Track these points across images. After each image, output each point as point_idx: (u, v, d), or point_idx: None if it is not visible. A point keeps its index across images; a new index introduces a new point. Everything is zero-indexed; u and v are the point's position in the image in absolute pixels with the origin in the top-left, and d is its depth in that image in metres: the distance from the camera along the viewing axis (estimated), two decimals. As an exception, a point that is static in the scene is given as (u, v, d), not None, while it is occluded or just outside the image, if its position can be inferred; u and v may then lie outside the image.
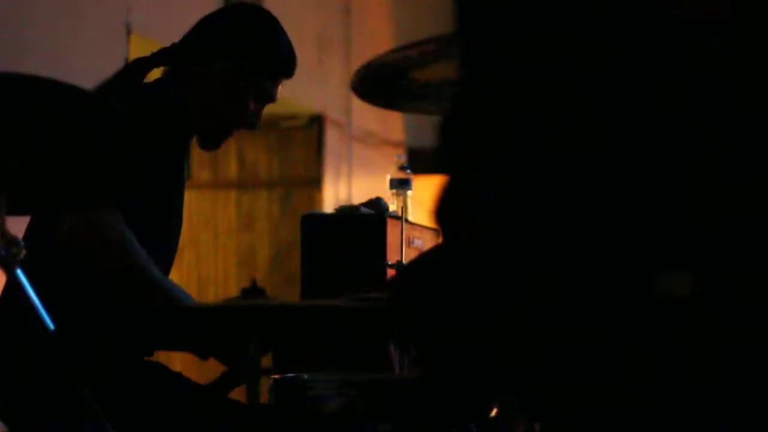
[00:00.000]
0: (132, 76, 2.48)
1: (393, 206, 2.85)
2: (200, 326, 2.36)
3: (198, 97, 2.51)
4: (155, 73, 2.56)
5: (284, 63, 2.57)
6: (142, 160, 2.19)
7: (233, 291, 6.44)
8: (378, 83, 2.63)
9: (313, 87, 6.88)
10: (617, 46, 1.12)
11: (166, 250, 2.52)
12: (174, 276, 2.57)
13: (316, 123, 6.98)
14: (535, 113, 1.16)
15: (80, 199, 2.28)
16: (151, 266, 2.34)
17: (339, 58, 7.04)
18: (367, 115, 7.14)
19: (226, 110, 2.53)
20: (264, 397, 2.25)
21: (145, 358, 2.48)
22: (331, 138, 7.14)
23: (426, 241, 2.90)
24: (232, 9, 2.72)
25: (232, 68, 2.50)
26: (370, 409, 2.13)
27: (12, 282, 1.85)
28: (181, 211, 2.57)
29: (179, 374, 2.49)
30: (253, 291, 2.05)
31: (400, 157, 3.13)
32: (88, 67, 4.72)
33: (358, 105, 7.12)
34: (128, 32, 5.13)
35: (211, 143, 2.57)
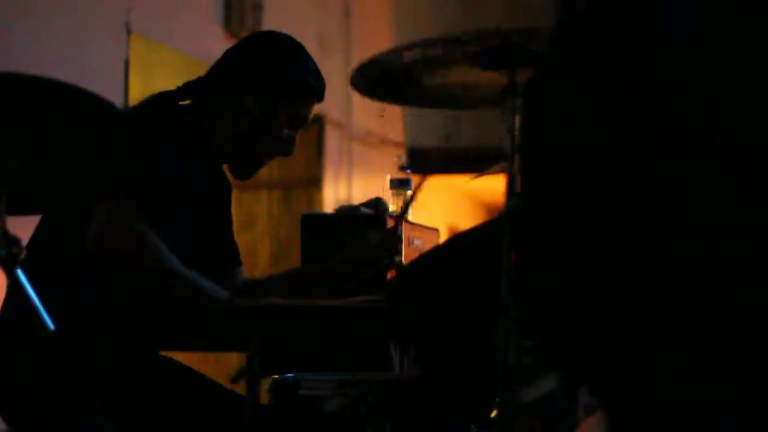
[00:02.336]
0: (154, 107, 2.50)
1: (393, 206, 2.85)
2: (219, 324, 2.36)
3: (228, 129, 2.53)
4: None
5: (313, 86, 2.58)
6: (144, 163, 2.20)
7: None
8: (379, 81, 2.63)
9: (313, 87, 6.86)
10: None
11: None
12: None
13: (316, 123, 6.98)
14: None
15: (90, 198, 2.28)
16: (179, 265, 2.35)
17: (339, 58, 7.04)
18: (367, 115, 7.14)
19: (257, 141, 2.55)
20: (264, 397, 2.25)
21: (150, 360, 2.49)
22: (331, 138, 7.14)
23: (426, 241, 2.90)
24: (255, 39, 2.74)
25: (261, 101, 2.51)
26: (370, 409, 2.13)
27: (12, 282, 1.85)
28: (203, 234, 2.56)
29: (186, 366, 2.49)
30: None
31: (400, 157, 3.13)
32: (87, 67, 4.72)
33: (358, 105, 7.13)
34: (128, 32, 5.13)
35: (244, 173, 2.59)
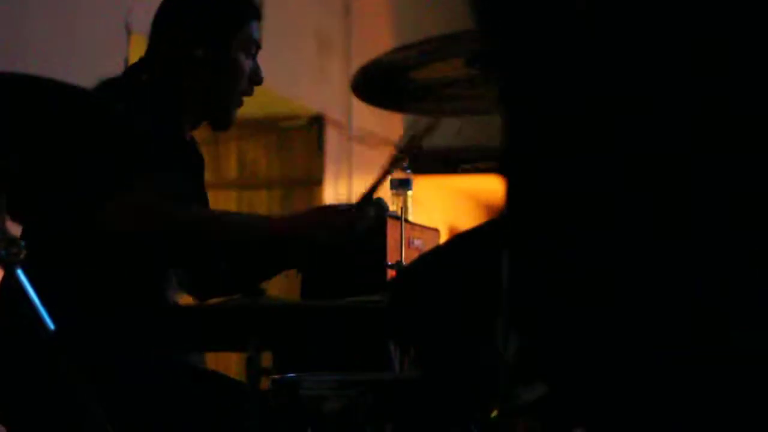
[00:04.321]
0: (126, 81, 2.49)
1: (393, 206, 2.85)
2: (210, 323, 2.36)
3: (193, 88, 2.51)
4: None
5: (247, 4, 2.56)
6: (148, 154, 2.20)
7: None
8: (378, 83, 2.63)
9: (313, 87, 6.88)
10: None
11: None
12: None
13: (316, 123, 6.98)
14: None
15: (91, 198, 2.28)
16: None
17: (339, 58, 7.03)
18: (367, 115, 7.14)
19: (225, 85, 2.53)
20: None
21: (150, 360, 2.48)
22: (331, 138, 7.14)
23: (426, 242, 2.90)
24: None
25: (211, 47, 2.49)
26: (370, 409, 2.13)
27: (12, 282, 1.85)
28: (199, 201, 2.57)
29: (187, 363, 2.49)
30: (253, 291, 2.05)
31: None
32: (87, 67, 4.72)
33: (358, 105, 7.12)
34: (128, 32, 5.13)
35: (225, 121, 2.57)
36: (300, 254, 2.48)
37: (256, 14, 2.58)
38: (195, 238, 2.39)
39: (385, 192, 2.86)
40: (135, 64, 2.55)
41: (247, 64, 2.53)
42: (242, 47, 2.52)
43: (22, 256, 1.85)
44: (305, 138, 7.03)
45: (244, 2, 2.57)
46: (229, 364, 6.62)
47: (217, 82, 2.52)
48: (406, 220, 2.77)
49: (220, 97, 2.54)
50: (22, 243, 1.85)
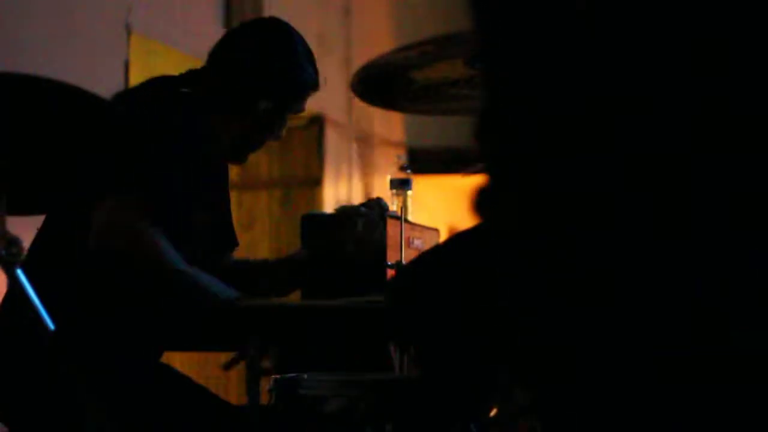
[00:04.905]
0: (153, 91, 2.50)
1: (393, 206, 2.85)
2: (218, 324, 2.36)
3: (236, 126, 2.56)
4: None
5: (315, 79, 2.62)
6: (147, 154, 2.20)
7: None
8: (378, 84, 2.63)
9: (313, 87, 6.87)
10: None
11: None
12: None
13: (316, 123, 6.98)
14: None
15: (90, 198, 2.28)
16: (183, 264, 2.35)
17: (339, 58, 7.04)
18: (367, 115, 7.14)
19: (262, 137, 2.61)
20: (264, 398, 2.25)
21: (150, 361, 2.48)
22: (331, 138, 7.14)
23: (426, 242, 2.90)
24: (256, 32, 2.68)
25: (274, 103, 2.55)
26: (370, 409, 2.13)
27: (12, 282, 1.85)
28: (204, 218, 2.57)
29: (185, 376, 2.49)
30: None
31: (400, 157, 3.13)
32: (88, 67, 4.72)
33: (359, 105, 7.12)
34: (128, 32, 5.12)
35: (240, 161, 2.64)
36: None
37: (316, 88, 2.62)
38: (152, 278, 2.39)
39: (385, 192, 2.86)
40: (171, 77, 2.56)
41: (277, 129, 2.59)
42: (291, 111, 2.56)
43: (22, 256, 1.85)
44: (305, 138, 7.03)
45: (314, 73, 2.61)
46: (229, 364, 6.61)
47: (255, 131, 2.58)
48: (406, 220, 2.77)
49: (248, 146, 2.60)
50: (22, 243, 1.85)
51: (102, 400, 1.94)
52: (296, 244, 2.86)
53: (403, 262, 2.69)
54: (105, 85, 4.81)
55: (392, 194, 2.88)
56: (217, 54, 2.59)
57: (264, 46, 2.59)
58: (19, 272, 1.84)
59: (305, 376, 2.23)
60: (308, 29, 6.97)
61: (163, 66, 5.42)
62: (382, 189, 2.77)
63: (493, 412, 2.05)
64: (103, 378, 2.25)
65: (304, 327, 2.34)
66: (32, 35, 4.53)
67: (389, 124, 7.62)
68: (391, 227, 2.76)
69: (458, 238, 1.66)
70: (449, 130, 7.64)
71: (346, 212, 2.64)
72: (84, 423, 2.05)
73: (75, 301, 2.35)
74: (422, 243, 2.88)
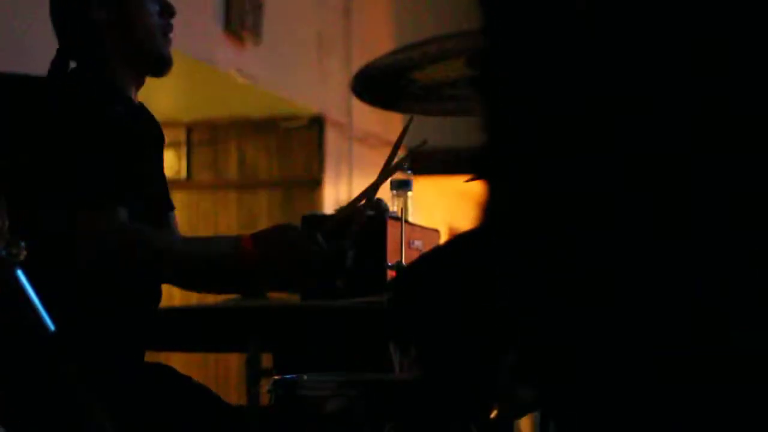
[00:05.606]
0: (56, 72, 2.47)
1: (393, 207, 2.85)
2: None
3: (115, 46, 2.48)
4: None
5: None
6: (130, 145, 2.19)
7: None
8: (378, 84, 2.63)
9: (313, 87, 6.87)
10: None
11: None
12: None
13: (316, 123, 6.98)
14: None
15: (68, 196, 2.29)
16: (170, 240, 2.35)
17: (339, 58, 7.03)
18: (367, 116, 7.14)
19: (137, 29, 2.49)
20: (264, 398, 2.25)
21: (151, 362, 2.49)
22: (331, 138, 7.14)
23: (426, 243, 2.90)
24: None
25: (106, 6, 2.47)
26: (370, 409, 2.13)
27: (12, 282, 1.85)
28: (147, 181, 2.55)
29: (185, 376, 2.49)
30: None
31: (401, 157, 3.13)
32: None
33: (358, 105, 7.12)
34: (128, 32, 5.12)
35: (160, 62, 2.54)
36: (264, 280, 2.45)
37: None
38: (159, 269, 2.39)
39: (385, 193, 2.86)
40: (54, 59, 2.49)
41: (149, 4, 2.50)
42: None
43: (22, 256, 1.85)
44: (305, 138, 7.03)
45: None
46: (229, 364, 6.62)
47: (130, 33, 2.49)
48: (407, 221, 2.77)
49: (141, 45, 2.50)
50: (22, 243, 1.85)
51: (102, 401, 1.94)
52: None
53: (403, 262, 2.69)
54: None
55: (392, 195, 2.88)
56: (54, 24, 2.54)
57: None
58: (19, 272, 1.84)
59: (305, 376, 2.23)
60: (308, 29, 6.99)
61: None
62: (382, 189, 2.77)
63: (493, 413, 2.05)
64: (103, 378, 2.25)
65: (304, 327, 2.34)
66: (32, 35, 4.53)
67: (389, 125, 7.62)
68: (392, 228, 2.76)
69: (459, 239, 1.67)
70: (449, 130, 7.64)
71: (337, 246, 2.58)
72: (84, 423, 2.05)
73: (75, 301, 2.35)
74: (422, 244, 2.88)
